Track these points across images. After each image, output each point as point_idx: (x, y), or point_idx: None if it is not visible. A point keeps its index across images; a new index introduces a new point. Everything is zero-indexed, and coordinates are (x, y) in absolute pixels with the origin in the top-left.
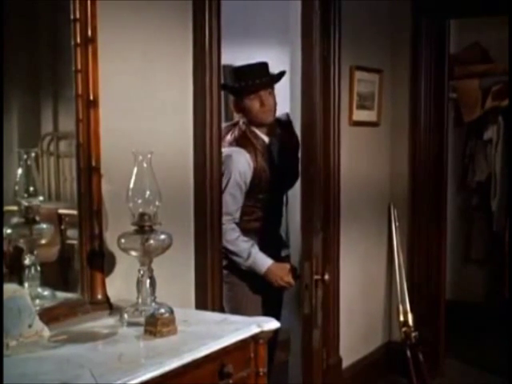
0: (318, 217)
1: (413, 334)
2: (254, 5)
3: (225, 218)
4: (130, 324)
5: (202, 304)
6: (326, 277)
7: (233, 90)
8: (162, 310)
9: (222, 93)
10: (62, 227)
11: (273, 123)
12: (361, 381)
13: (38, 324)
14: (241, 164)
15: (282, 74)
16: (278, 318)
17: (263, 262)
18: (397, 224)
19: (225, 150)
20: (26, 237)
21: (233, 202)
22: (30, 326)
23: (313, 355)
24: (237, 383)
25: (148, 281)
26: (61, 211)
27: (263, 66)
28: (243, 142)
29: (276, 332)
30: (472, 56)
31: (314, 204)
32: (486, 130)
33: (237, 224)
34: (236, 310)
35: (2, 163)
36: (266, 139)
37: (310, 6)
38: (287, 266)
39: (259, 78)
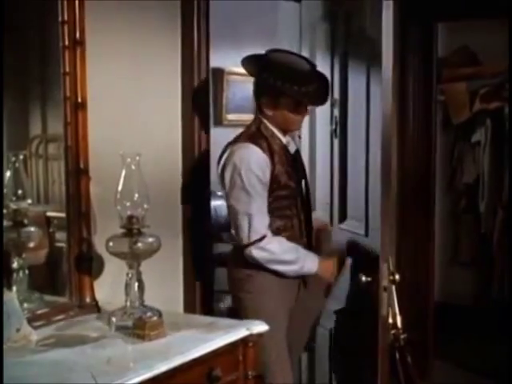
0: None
1: (401, 337)
2: (242, 9)
3: (260, 232)
4: (119, 327)
5: (190, 307)
6: (397, 277)
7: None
8: (150, 314)
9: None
10: (51, 230)
11: None
12: None
13: (27, 328)
14: (253, 159)
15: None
16: None
17: (313, 260)
18: None
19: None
20: (13, 240)
21: (257, 209)
22: (18, 330)
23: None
24: None
25: (136, 284)
26: (49, 214)
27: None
28: (256, 140)
29: None
30: (460, 59)
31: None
32: (474, 133)
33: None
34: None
35: (2, 164)
36: (284, 139)
37: None
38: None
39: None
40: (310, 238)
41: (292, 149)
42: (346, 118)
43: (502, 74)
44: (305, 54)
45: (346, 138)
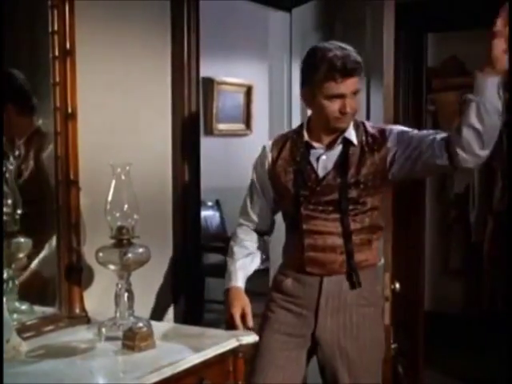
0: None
1: (392, 347)
2: (232, 19)
3: (241, 218)
4: (108, 338)
5: (180, 317)
6: (398, 285)
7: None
8: (140, 324)
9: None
10: None
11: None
12: None
13: (16, 339)
14: (261, 154)
15: None
16: None
17: (232, 278)
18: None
19: None
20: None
21: (249, 202)
22: (7, 341)
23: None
24: None
25: (126, 294)
26: None
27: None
28: (281, 134)
29: None
30: (450, 69)
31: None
32: None
33: (259, 231)
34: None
35: (2, 166)
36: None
37: None
38: (246, 302)
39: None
40: (351, 256)
41: (316, 151)
42: None
43: None
44: (295, 63)
45: None
